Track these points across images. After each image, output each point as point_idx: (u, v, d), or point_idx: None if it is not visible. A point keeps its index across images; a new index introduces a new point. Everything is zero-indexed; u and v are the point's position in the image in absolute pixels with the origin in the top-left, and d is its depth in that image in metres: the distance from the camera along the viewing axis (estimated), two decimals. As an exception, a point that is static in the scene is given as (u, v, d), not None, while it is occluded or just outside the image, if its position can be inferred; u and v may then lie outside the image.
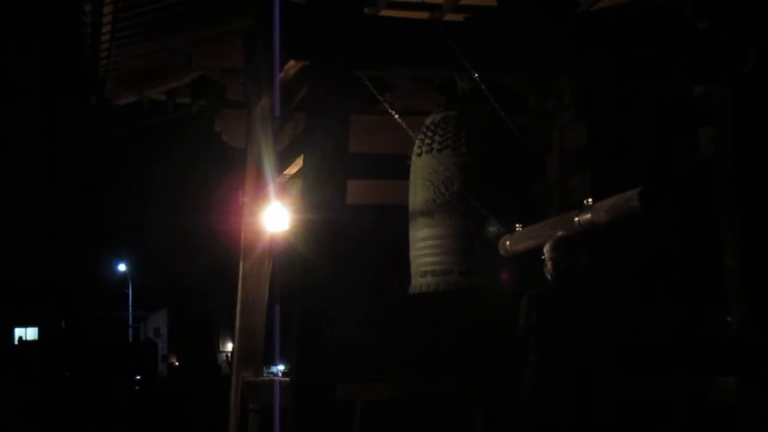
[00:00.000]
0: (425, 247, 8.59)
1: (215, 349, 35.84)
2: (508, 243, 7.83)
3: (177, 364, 32.49)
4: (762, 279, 7.29)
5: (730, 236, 7.56)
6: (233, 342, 9.81)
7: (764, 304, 7.20)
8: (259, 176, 9.18)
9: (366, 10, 7.54)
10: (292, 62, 7.39)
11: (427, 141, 8.62)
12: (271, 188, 8.96)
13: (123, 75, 9.43)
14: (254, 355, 9.28)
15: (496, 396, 7.44)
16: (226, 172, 11.60)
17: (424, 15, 7.87)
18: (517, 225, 7.75)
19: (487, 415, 7.65)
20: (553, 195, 10.26)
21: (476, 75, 7.42)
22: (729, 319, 7.73)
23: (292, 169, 9.13)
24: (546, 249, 6.41)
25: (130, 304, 44.34)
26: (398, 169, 9.12)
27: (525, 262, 7.75)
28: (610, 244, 8.03)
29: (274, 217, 8.88)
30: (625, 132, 9.38)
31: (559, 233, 6.57)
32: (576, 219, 6.88)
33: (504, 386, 7.02)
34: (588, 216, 6.78)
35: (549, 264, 6.37)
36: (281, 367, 14.48)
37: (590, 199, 6.84)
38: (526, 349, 6.30)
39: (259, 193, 9.21)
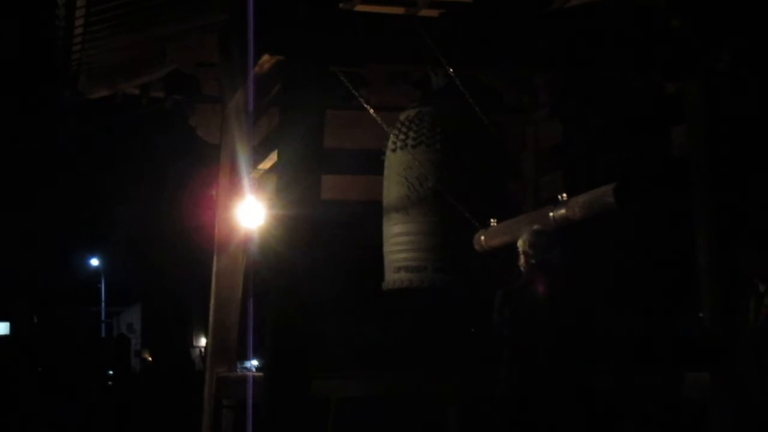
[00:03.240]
0: (399, 243, 8.59)
1: (189, 344, 35.71)
2: (483, 238, 7.83)
3: (150, 359, 32.33)
4: (734, 275, 7.34)
5: (702, 233, 7.61)
6: (207, 337, 9.78)
7: (736, 301, 7.25)
8: (234, 171, 9.15)
9: (341, 5, 7.53)
10: (266, 57, 7.37)
11: (401, 137, 8.61)
12: (246, 183, 8.94)
13: (96, 69, 9.38)
14: (228, 351, 9.25)
15: (470, 393, 7.46)
16: (200, 167, 11.56)
17: (399, 10, 7.86)
18: (493, 220, 7.76)
19: (461, 412, 7.67)
20: (527, 192, 10.29)
21: (451, 71, 7.43)
22: (701, 315, 7.78)
23: (267, 164, 9.10)
24: (519, 243, 6.44)
25: (103, 299, 44.13)
26: (373, 164, 9.11)
27: (500, 258, 7.77)
28: (584, 238, 8.05)
29: (249, 212, 8.85)
30: (599, 129, 9.43)
31: (533, 227, 6.60)
32: (551, 214, 6.89)
33: (479, 383, 7.03)
34: (563, 211, 6.79)
35: (522, 258, 6.40)
36: (255, 363, 14.45)
37: (565, 195, 6.86)
38: (499, 345, 6.32)
39: (234, 188, 9.18)
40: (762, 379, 6.61)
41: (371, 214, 9.08)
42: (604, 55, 7.70)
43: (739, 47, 7.51)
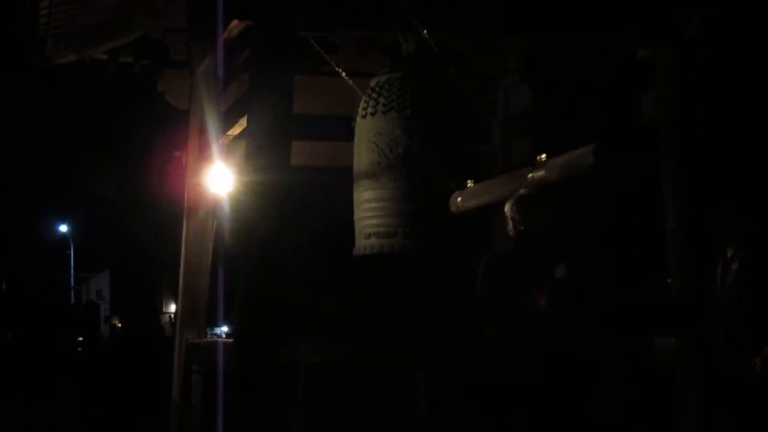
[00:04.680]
0: (370, 209, 8.59)
1: (158, 310, 35.69)
2: (459, 199, 7.80)
3: (120, 325, 32.28)
4: (702, 241, 7.38)
5: (671, 199, 7.65)
6: (176, 303, 9.76)
7: (703, 267, 7.29)
8: (203, 137, 9.10)
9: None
10: (235, 22, 7.31)
11: (371, 102, 8.60)
12: (215, 149, 8.90)
13: (64, 34, 9.28)
14: (198, 317, 9.24)
15: (439, 358, 7.48)
16: (169, 132, 11.49)
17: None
18: (469, 181, 7.74)
19: (431, 378, 7.69)
20: (497, 158, 10.29)
21: (419, 37, 7.40)
22: (669, 280, 7.83)
23: (236, 130, 9.06)
24: (506, 209, 6.37)
25: (72, 265, 43.96)
26: (343, 130, 9.09)
27: (471, 222, 7.76)
28: (566, 205, 8.06)
29: (219, 178, 8.82)
30: (569, 96, 9.42)
31: (521, 191, 6.52)
32: (530, 175, 6.85)
33: (448, 349, 7.05)
34: (542, 173, 6.73)
35: (510, 224, 6.32)
36: (225, 329, 14.43)
37: (544, 155, 6.81)
38: (484, 312, 6.26)
39: (203, 153, 9.13)
40: (729, 345, 6.66)
41: (341, 180, 9.07)
42: (574, 20, 7.69)
43: (709, 13, 7.52)
